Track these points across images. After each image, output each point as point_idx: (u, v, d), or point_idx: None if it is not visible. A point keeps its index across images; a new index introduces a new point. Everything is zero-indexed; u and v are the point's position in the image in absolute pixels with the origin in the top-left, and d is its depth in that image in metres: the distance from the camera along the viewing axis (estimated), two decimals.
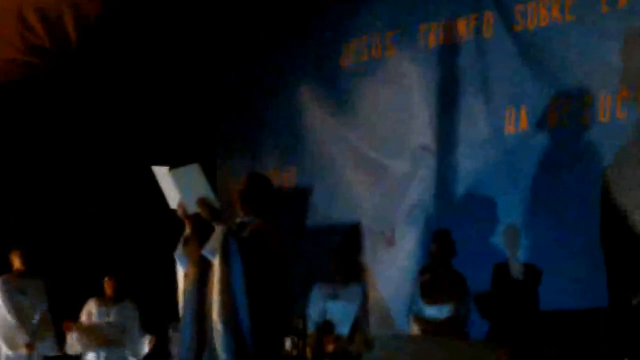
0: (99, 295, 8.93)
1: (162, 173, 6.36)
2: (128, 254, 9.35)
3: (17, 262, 8.81)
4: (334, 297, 8.21)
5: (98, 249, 9.41)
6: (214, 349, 6.53)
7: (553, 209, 7.87)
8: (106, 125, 9.67)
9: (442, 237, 7.68)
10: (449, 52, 8.55)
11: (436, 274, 7.63)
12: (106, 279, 8.87)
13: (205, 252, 6.21)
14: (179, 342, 6.65)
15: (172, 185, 6.35)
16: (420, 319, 7.56)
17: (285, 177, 9.35)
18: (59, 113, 9.57)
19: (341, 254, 8.32)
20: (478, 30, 8.41)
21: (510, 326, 7.51)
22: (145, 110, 9.73)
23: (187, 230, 6.42)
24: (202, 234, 6.45)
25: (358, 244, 8.84)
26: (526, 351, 6.87)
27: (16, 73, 9.24)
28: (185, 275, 6.61)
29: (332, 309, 8.13)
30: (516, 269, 7.72)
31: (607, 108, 7.72)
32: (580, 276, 7.54)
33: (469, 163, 8.39)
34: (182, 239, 6.50)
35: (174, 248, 6.46)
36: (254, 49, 9.79)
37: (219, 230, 6.34)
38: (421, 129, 8.64)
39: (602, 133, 7.71)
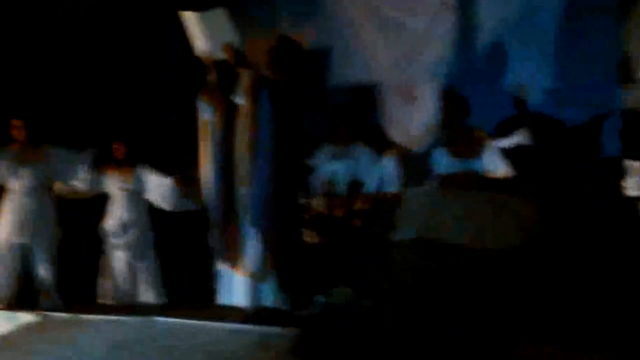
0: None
1: (188, 17, 6.48)
2: (148, 106, 9.34)
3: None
4: (340, 156, 8.44)
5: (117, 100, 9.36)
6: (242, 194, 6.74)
7: (572, 62, 8.05)
8: None
9: (451, 96, 7.84)
10: None
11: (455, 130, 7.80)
12: (114, 145, 8.88)
13: (234, 96, 6.37)
14: (208, 187, 6.83)
15: (199, 30, 6.47)
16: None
17: (302, 37, 9.42)
18: None
19: (349, 113, 8.49)
20: None
21: None
22: None
23: (212, 76, 6.56)
24: (227, 80, 6.62)
25: (373, 103, 9.00)
26: None
27: None
28: (209, 123, 6.77)
29: (338, 168, 8.36)
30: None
31: None
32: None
33: (488, 20, 8.51)
34: (206, 86, 6.63)
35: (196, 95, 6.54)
36: None
37: (246, 75, 6.49)
38: None
39: None
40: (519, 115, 8.01)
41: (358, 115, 8.79)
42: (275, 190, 6.98)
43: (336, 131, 8.75)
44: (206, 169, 6.98)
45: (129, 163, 8.82)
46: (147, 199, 8.74)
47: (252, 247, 7.19)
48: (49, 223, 8.60)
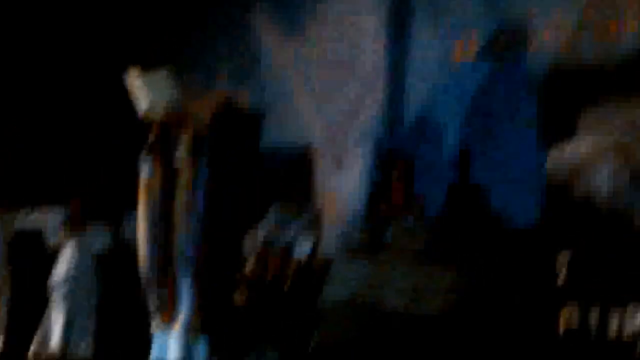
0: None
1: (131, 77, 6.57)
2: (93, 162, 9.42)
3: None
4: (286, 221, 8.55)
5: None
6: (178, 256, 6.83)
7: (499, 132, 8.32)
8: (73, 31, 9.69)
9: (395, 161, 8.01)
10: None
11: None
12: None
13: (174, 156, 6.48)
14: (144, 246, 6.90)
15: (141, 90, 6.57)
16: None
17: (237, 100, 9.58)
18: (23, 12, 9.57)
19: (290, 178, 8.64)
20: None
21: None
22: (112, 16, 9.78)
23: (154, 136, 6.66)
24: (168, 141, 6.72)
25: (308, 167, 9.17)
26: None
27: None
28: (148, 182, 6.86)
29: (284, 233, 8.47)
30: (468, 189, 8.14)
31: (551, 37, 8.17)
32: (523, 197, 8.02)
33: (419, 87, 8.79)
34: (147, 145, 6.72)
35: (138, 154, 6.64)
36: None
37: (187, 136, 6.60)
38: (372, 54, 9.00)
39: (546, 60, 8.17)
40: (454, 182, 8.22)
41: (292, 180, 8.94)
42: (210, 251, 7.08)
43: (272, 194, 8.87)
44: (142, 228, 7.06)
45: (78, 219, 8.88)
46: (92, 254, 8.75)
47: (185, 307, 7.26)
48: None
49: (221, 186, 6.85)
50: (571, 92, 8.01)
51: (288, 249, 8.34)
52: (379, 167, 8.39)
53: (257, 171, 9.09)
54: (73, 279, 8.74)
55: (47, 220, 8.94)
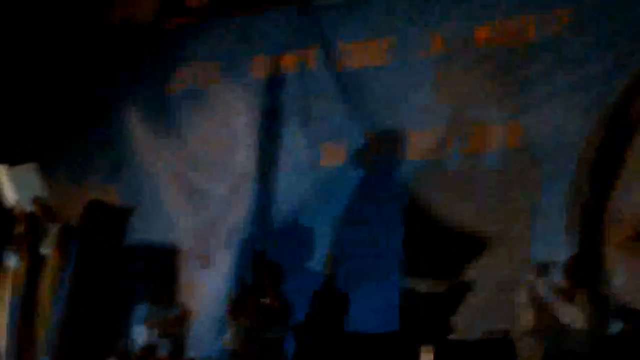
0: None
1: (0, 171, 6.58)
2: None
3: None
4: (153, 318, 8.56)
5: None
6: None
7: (366, 238, 8.53)
8: None
9: (264, 262, 8.07)
10: (274, 84, 9.20)
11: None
12: None
13: (41, 249, 6.49)
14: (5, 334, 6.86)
15: (9, 183, 6.58)
16: None
17: (106, 195, 9.59)
18: None
19: (156, 275, 8.68)
20: (303, 65, 9.10)
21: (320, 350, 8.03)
22: None
23: (21, 228, 6.66)
24: (35, 233, 6.73)
25: (175, 266, 9.21)
26: None
27: None
28: (13, 272, 6.83)
29: (151, 330, 8.47)
30: (334, 294, 8.27)
31: (419, 146, 8.49)
32: (391, 302, 8.22)
33: (287, 191, 9.00)
34: (14, 236, 6.72)
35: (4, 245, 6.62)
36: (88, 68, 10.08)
37: (54, 228, 6.62)
38: (244, 156, 9.19)
39: (413, 169, 8.47)
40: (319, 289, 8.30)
41: (158, 276, 8.95)
42: (70, 345, 7.05)
43: (139, 290, 8.86)
44: (4, 317, 6.99)
45: None
46: None
47: None
48: None
49: (87, 279, 6.86)
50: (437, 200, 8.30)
51: (152, 348, 8.33)
52: (247, 268, 8.47)
53: (124, 266, 9.08)
54: None
55: None
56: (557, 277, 7.04)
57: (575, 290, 6.87)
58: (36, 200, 6.67)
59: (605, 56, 7.79)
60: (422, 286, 8.19)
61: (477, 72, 8.32)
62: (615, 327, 7.06)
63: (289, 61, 9.18)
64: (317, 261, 8.61)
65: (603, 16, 7.85)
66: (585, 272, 7.04)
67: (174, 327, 8.60)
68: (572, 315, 6.73)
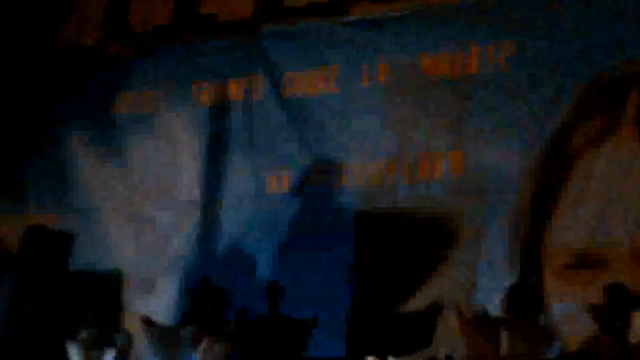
0: None
1: None
2: None
3: None
4: (95, 346, 8.51)
5: None
6: None
7: (311, 264, 8.60)
8: None
9: (209, 288, 8.10)
10: (219, 111, 9.25)
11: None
12: None
13: None
14: None
15: None
16: None
17: (47, 221, 9.53)
18: None
19: (100, 300, 8.65)
20: (248, 93, 9.15)
21: None
22: None
23: None
24: None
25: (118, 292, 9.19)
26: None
27: None
28: None
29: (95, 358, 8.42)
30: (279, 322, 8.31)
31: (365, 173, 8.60)
32: (336, 327, 8.29)
33: (232, 218, 9.05)
34: None
35: None
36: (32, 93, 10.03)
37: None
38: (188, 183, 9.23)
39: (358, 195, 8.57)
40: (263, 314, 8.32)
41: (102, 301, 8.91)
42: None
43: (82, 315, 8.80)
44: None
45: None
46: None
47: None
48: None
49: (27, 304, 6.83)
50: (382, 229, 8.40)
51: None
52: (190, 294, 8.49)
53: (66, 291, 9.03)
54: None
55: None
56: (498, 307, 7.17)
57: (515, 319, 6.98)
58: None
59: (548, 88, 8.00)
60: (369, 311, 8.34)
61: (422, 100, 8.48)
62: (553, 354, 7.18)
63: (234, 89, 9.25)
64: (262, 287, 8.66)
65: (545, 49, 8.05)
66: (524, 302, 7.15)
67: (119, 353, 8.57)
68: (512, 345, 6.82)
